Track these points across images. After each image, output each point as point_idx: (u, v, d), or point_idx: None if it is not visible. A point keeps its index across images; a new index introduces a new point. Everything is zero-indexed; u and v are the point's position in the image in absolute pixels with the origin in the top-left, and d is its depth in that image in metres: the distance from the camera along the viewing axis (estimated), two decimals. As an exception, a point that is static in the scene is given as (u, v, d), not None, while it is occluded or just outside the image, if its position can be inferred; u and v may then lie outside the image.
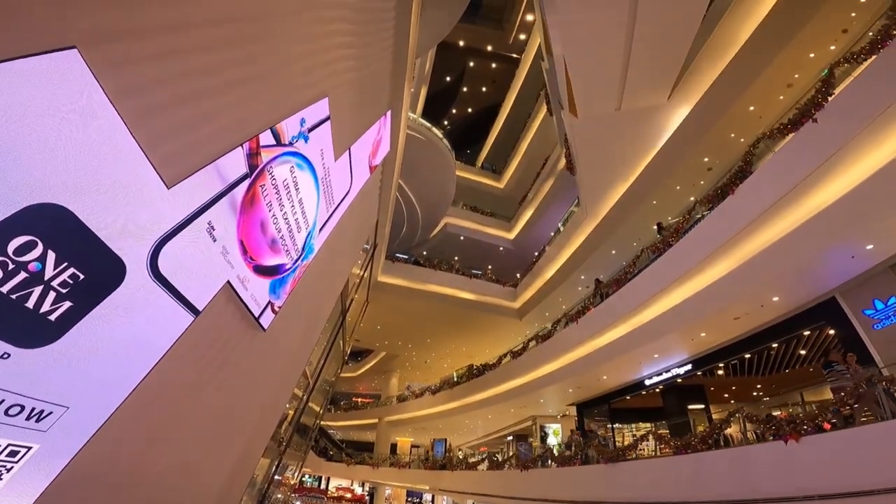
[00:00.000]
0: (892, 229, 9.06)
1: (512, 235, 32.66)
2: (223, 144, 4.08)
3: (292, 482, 22.81)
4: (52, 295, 2.74)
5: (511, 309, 28.71)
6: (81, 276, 2.91)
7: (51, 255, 2.65)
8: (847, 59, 9.92)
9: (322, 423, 37.68)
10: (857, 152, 8.82)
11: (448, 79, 37.97)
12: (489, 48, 35.97)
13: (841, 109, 9.31)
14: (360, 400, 44.09)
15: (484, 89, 39.37)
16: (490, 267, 31.77)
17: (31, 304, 2.65)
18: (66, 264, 2.76)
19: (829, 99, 9.66)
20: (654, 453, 13.86)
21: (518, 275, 29.27)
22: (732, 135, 15.15)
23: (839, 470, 8.13)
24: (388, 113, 11.25)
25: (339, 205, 8.62)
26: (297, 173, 5.80)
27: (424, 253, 31.06)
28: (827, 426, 8.76)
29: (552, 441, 23.80)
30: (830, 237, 9.39)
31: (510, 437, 30.64)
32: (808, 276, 10.62)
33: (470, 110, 41.59)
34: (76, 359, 3.17)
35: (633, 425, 20.02)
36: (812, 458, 8.63)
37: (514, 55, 35.88)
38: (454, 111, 41.39)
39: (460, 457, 27.25)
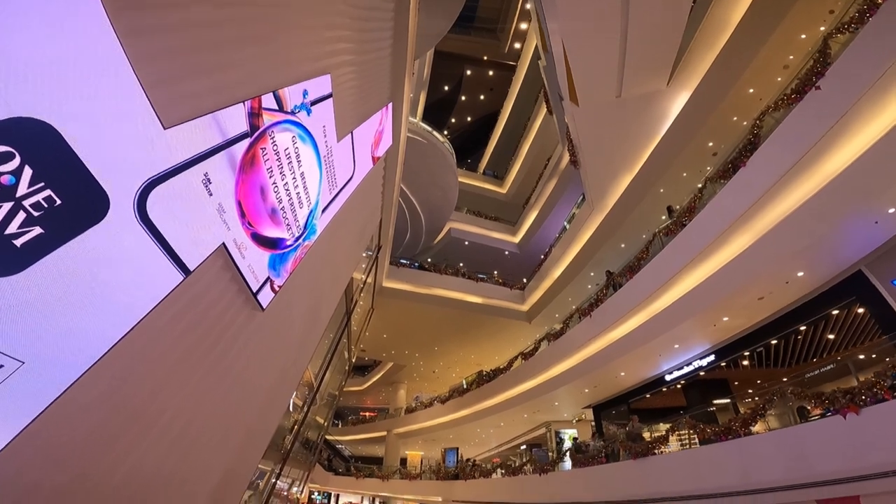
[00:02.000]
0: (913, 190, 8.68)
1: (517, 239, 32.32)
2: (224, 98, 4.01)
3: (298, 497, 22.22)
4: (21, 216, 2.39)
5: (520, 312, 28.22)
6: (58, 202, 2.58)
7: (27, 172, 2.40)
8: (840, 30, 9.69)
9: (329, 437, 37.20)
10: (865, 113, 8.54)
11: (446, 88, 38.00)
12: (485, 57, 36.05)
13: (843, 73, 9.10)
14: (367, 413, 43.45)
15: (482, 97, 39.40)
16: (496, 272, 31.26)
17: (-6, 220, 2.29)
18: (42, 184, 2.50)
19: (829, 67, 9.43)
20: (686, 445, 13.08)
21: (525, 279, 28.84)
22: (735, 118, 14.94)
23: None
24: (390, 105, 11.24)
25: (341, 189, 8.44)
26: (299, 145, 5.71)
27: (429, 259, 30.56)
28: (887, 395, 8.13)
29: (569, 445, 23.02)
30: (850, 202, 9.03)
31: (524, 447, 29.92)
32: (833, 247, 10.18)
33: (469, 119, 41.58)
34: (40, 301, 2.71)
35: (655, 426, 19.44)
36: (877, 430, 8.05)
37: (511, 62, 35.98)
38: (453, 120, 41.39)
39: (473, 463, 26.43)
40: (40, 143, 2.44)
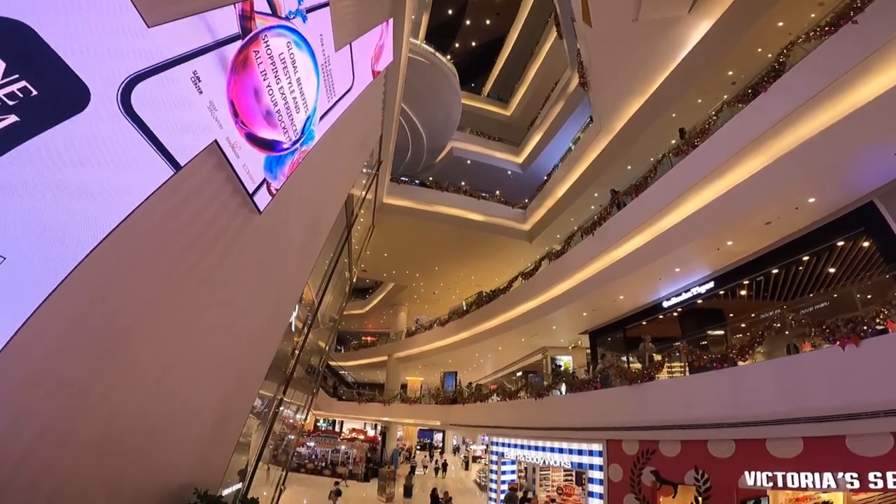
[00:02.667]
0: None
1: (520, 159, 32.05)
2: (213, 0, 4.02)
3: (303, 423, 22.82)
4: (-5, 104, 2.46)
5: (521, 231, 28.16)
6: (34, 92, 2.67)
7: (0, 64, 2.48)
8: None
9: (332, 363, 37.96)
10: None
11: (450, 11, 36.57)
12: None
13: (883, 9, 8.61)
14: (368, 338, 44.13)
15: (488, 22, 37.93)
16: (498, 192, 30.80)
17: (-34, 106, 2.43)
18: (17, 76, 2.55)
19: (870, 3, 8.88)
20: (682, 373, 13.03)
21: (527, 199, 28.63)
22: (759, 49, 14.20)
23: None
24: (390, 21, 11.18)
25: (340, 98, 8.39)
26: (294, 51, 5.71)
27: (430, 178, 30.17)
28: (891, 325, 7.83)
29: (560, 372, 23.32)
30: (872, 132, 8.74)
31: (520, 373, 30.50)
32: (849, 176, 9.91)
33: (473, 44, 40.17)
34: (20, 192, 2.69)
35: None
36: (873, 365, 7.79)
37: (519, -15, 34.39)
38: (457, 45, 39.92)
39: (471, 388, 26.89)
40: (14, 40, 2.50)
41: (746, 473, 10.18)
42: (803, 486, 9.22)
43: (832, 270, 12.96)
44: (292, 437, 21.22)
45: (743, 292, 14.99)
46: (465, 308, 28.81)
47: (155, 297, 4.58)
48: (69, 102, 2.85)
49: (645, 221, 14.42)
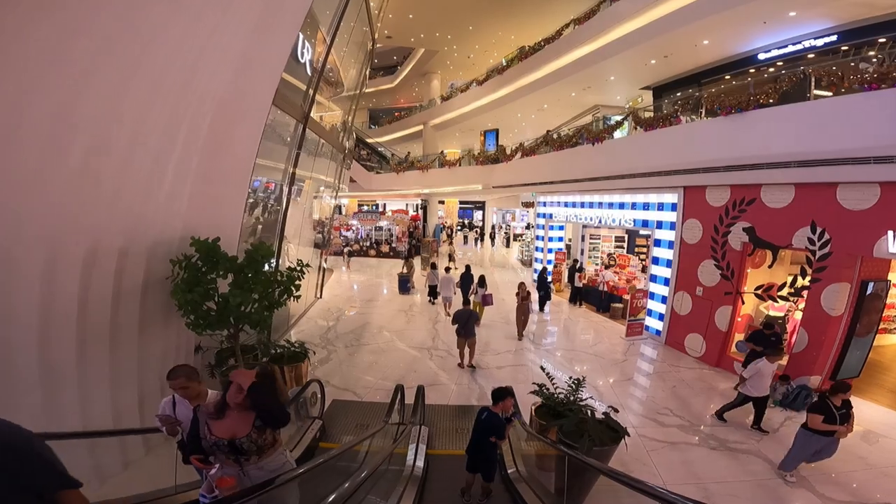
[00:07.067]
0: None
1: None
2: None
3: (338, 201, 21.78)
4: None
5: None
6: None
7: None
8: None
9: (369, 140, 36.35)
10: None
11: None
12: None
13: None
14: (402, 113, 41.83)
15: None
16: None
17: None
18: None
19: None
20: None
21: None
22: None
23: None
24: None
25: None
26: None
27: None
28: None
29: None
30: None
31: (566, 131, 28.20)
32: None
33: None
34: None
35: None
36: None
37: None
38: None
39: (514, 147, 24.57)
40: None
41: (891, 234, 7.60)
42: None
43: None
44: (331, 217, 20.53)
45: (871, 52, 11.63)
46: (504, 64, 25.65)
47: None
48: None
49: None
